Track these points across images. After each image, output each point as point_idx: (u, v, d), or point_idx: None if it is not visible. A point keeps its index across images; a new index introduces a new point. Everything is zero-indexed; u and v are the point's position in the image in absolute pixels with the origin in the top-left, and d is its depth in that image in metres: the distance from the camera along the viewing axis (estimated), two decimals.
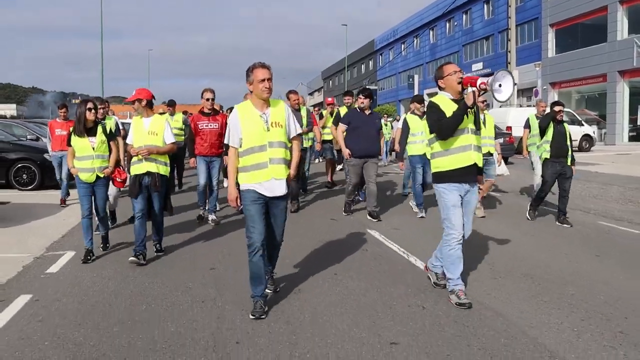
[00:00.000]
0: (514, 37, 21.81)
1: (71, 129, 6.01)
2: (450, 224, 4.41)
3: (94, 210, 6.09)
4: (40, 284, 5.07)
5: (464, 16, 42.67)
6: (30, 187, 11.59)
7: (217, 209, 8.37)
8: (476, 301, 4.40)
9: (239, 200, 4.27)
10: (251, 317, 4.11)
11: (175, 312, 4.27)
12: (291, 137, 4.41)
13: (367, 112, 8.08)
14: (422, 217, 8.31)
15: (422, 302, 4.48)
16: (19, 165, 11.65)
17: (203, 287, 4.91)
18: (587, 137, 22.65)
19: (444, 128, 4.38)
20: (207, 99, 7.81)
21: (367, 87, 12.14)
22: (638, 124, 27.28)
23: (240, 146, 4.22)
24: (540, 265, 5.58)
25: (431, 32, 48.60)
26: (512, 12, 21.20)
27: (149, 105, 5.90)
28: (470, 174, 4.44)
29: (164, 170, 5.92)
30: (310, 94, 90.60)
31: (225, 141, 4.43)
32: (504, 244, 6.50)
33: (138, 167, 5.79)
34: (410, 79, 44.19)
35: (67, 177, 9.40)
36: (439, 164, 4.50)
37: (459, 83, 4.42)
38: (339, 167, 12.80)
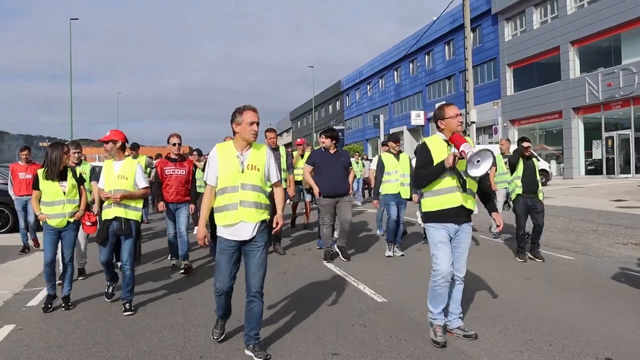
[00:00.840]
0: (471, 78, 22.50)
1: (40, 172, 5.74)
2: (436, 259, 4.38)
3: (59, 258, 5.93)
4: (21, 315, 5.55)
5: (426, 57, 44.00)
6: (3, 230, 11.79)
7: (187, 255, 7.71)
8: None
9: (207, 239, 4.24)
10: (211, 337, 4.51)
11: (147, 334, 4.74)
12: (272, 182, 4.38)
13: (332, 150, 8.00)
14: (389, 255, 8.22)
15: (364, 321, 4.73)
16: None
17: (172, 314, 5.35)
18: (543, 172, 23.32)
19: (419, 179, 4.45)
20: (174, 144, 7.57)
21: (333, 127, 12.22)
22: (593, 158, 28.23)
23: (217, 185, 4.21)
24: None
25: (395, 73, 49.88)
26: (468, 54, 21.96)
27: (122, 148, 5.77)
28: (457, 216, 4.39)
29: (135, 215, 5.68)
30: (279, 134, 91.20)
31: (204, 179, 4.39)
32: (488, 285, 6.29)
33: (106, 212, 5.61)
34: (376, 119, 44.95)
35: (34, 222, 8.98)
36: (425, 204, 4.50)
37: (450, 141, 4.39)
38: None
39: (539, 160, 23.38)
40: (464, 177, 4.34)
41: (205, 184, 4.31)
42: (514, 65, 32.82)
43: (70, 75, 39.92)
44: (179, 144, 7.64)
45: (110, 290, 5.99)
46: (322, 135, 8.10)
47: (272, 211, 4.44)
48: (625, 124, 26.30)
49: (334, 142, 8.15)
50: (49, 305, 5.64)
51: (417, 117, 42.55)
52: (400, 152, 8.47)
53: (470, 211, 4.46)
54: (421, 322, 4.79)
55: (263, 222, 4.21)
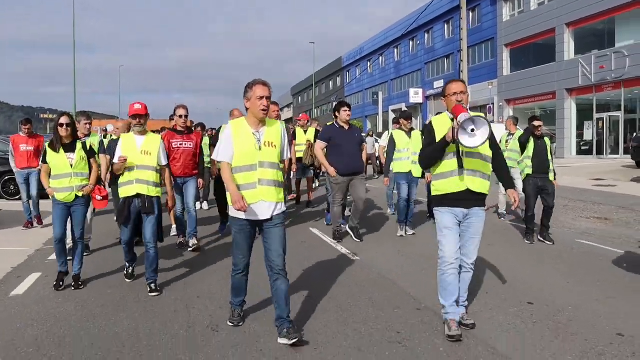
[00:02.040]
0: (466, 58, 23.09)
1: (46, 144, 5.61)
2: (441, 246, 4.21)
3: (68, 234, 5.68)
4: (46, 266, 6.40)
5: (426, 35, 44.35)
6: (17, 197, 12.06)
7: (196, 231, 7.44)
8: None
9: (245, 201, 3.94)
10: (229, 323, 4.33)
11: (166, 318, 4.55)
12: (282, 159, 4.23)
13: (347, 126, 7.65)
14: (401, 235, 8.09)
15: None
16: (6, 178, 12.74)
17: (185, 293, 5.25)
18: None
19: (422, 159, 4.31)
20: (180, 116, 7.24)
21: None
22: (584, 138, 28.93)
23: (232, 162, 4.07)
24: (535, 292, 5.27)
25: (395, 50, 50.23)
26: (463, 34, 22.50)
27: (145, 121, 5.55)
28: (464, 200, 4.14)
29: (157, 192, 5.44)
30: (280, 110, 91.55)
31: (213, 157, 4.22)
32: (497, 268, 6.12)
33: (127, 189, 5.37)
34: (375, 96, 45.58)
35: (37, 195, 9.06)
36: (433, 187, 4.32)
37: (451, 112, 4.15)
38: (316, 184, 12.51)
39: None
40: (462, 157, 4.08)
41: (213, 161, 4.30)
42: (511, 45, 33.31)
43: (74, 50, 40.18)
44: (186, 116, 7.32)
45: (130, 270, 5.76)
46: (345, 107, 7.63)
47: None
48: (616, 106, 26.95)
49: (409, 121, 8.30)
50: (61, 283, 5.49)
51: (416, 95, 43.14)
52: (412, 129, 8.32)
53: (482, 195, 4.19)
54: (430, 307, 4.69)
55: (281, 202, 4.12)
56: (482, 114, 4.06)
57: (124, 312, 4.75)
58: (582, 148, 29.11)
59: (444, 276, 4.18)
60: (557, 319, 4.49)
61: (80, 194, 5.51)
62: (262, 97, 4.00)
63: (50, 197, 5.57)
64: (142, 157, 5.37)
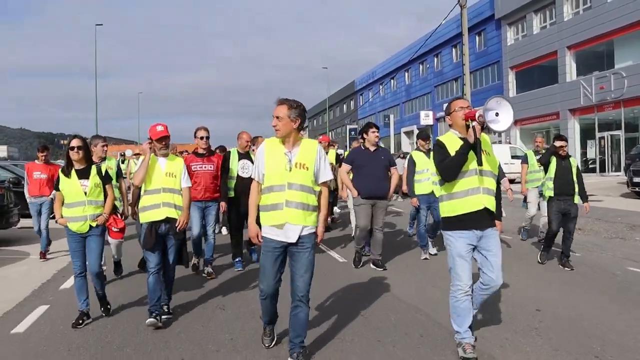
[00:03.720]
0: (469, 82, 24.25)
1: (60, 170, 5.28)
2: (455, 274, 4.05)
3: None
4: (56, 298, 6.14)
5: (435, 59, 45.68)
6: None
7: (213, 258, 7.40)
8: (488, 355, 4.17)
9: (259, 237, 4.00)
10: (263, 345, 4.35)
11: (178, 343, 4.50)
12: (320, 181, 4.05)
13: (373, 148, 7.49)
14: (425, 258, 8.00)
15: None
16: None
17: (206, 322, 5.04)
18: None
19: (447, 169, 4.01)
20: (202, 138, 7.10)
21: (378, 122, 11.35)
22: (588, 157, 29.74)
23: (263, 183, 4.02)
24: (558, 319, 5.09)
25: (406, 74, 51.61)
26: (466, 59, 23.71)
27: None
28: (479, 220, 3.99)
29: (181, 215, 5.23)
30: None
31: (252, 175, 4.20)
32: (522, 292, 6.04)
33: (154, 213, 5.06)
34: (387, 119, 46.79)
35: (46, 228, 8.55)
36: (444, 209, 4.14)
37: (463, 120, 4.04)
38: (335, 209, 12.34)
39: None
40: (481, 163, 3.94)
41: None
42: (516, 68, 34.42)
43: (96, 79, 42.57)
44: (207, 137, 7.18)
45: (166, 309, 5.34)
46: (373, 128, 7.49)
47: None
48: (617, 125, 27.80)
49: (427, 141, 8.12)
50: (80, 322, 5.08)
51: (426, 117, 44.25)
52: (430, 150, 7.98)
53: (493, 214, 4.06)
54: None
55: (310, 225, 3.96)
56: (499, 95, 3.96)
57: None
58: (590, 166, 29.92)
59: (457, 303, 4.07)
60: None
61: (94, 224, 5.14)
62: (274, 117, 3.95)
63: (63, 227, 5.20)
64: (167, 179, 5.16)
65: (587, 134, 29.62)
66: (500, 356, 4.15)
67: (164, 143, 5.18)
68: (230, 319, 5.24)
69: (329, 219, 11.19)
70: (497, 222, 4.14)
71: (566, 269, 7.21)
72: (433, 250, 8.18)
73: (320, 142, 10.76)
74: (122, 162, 11.96)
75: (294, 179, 3.90)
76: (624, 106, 26.46)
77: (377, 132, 7.48)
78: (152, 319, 4.85)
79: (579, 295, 5.88)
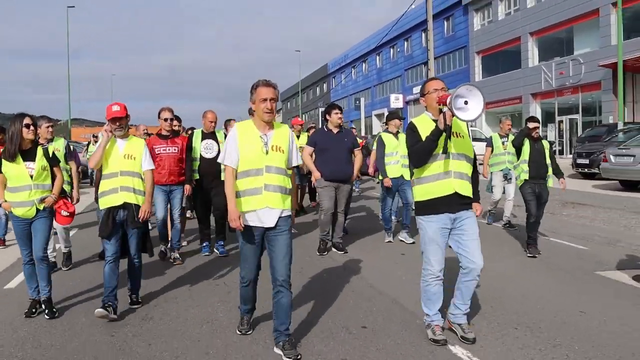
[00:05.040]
0: (433, 68, 24.94)
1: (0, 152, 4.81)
2: (426, 258, 4.02)
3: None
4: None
5: (405, 43, 46.35)
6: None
7: (181, 244, 7.29)
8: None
9: (242, 220, 3.80)
10: (237, 332, 4.22)
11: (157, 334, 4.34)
12: (291, 165, 4.04)
13: (336, 130, 7.32)
14: (389, 241, 7.98)
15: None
16: None
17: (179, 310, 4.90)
18: None
19: (415, 155, 3.95)
20: (165, 119, 6.83)
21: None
22: (548, 139, 30.81)
23: (237, 167, 3.88)
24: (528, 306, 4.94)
25: (378, 57, 52.21)
26: (430, 45, 24.38)
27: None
28: (450, 204, 3.92)
29: (143, 200, 4.87)
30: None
31: (219, 160, 4.03)
32: (497, 280, 5.82)
33: (111, 199, 4.74)
34: (357, 102, 47.46)
35: (5, 213, 7.66)
36: (416, 193, 4.07)
37: (437, 103, 3.91)
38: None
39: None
40: (448, 146, 3.86)
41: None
42: (482, 53, 35.33)
43: (68, 61, 42.00)
44: (171, 119, 6.92)
45: (135, 298, 5.12)
46: (335, 109, 7.32)
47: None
48: (575, 110, 28.93)
49: (401, 121, 7.97)
50: (33, 310, 4.81)
51: (396, 100, 44.98)
52: (398, 132, 7.92)
53: (468, 198, 3.99)
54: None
55: (287, 209, 3.92)
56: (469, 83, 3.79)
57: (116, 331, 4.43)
58: (553, 149, 30.99)
59: (428, 287, 4.04)
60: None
61: (41, 207, 4.75)
62: (265, 99, 3.83)
63: (8, 212, 4.88)
64: (125, 162, 4.82)
65: (548, 117, 30.72)
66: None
67: (118, 124, 4.79)
68: (201, 305, 5.11)
69: (311, 204, 11.61)
70: (476, 204, 4.09)
71: (529, 254, 7.02)
72: (410, 240, 7.89)
73: (293, 125, 10.93)
74: (94, 144, 11.95)
75: (272, 162, 3.85)
76: (581, 91, 27.55)
77: (340, 113, 7.33)
78: (101, 309, 4.51)
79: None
